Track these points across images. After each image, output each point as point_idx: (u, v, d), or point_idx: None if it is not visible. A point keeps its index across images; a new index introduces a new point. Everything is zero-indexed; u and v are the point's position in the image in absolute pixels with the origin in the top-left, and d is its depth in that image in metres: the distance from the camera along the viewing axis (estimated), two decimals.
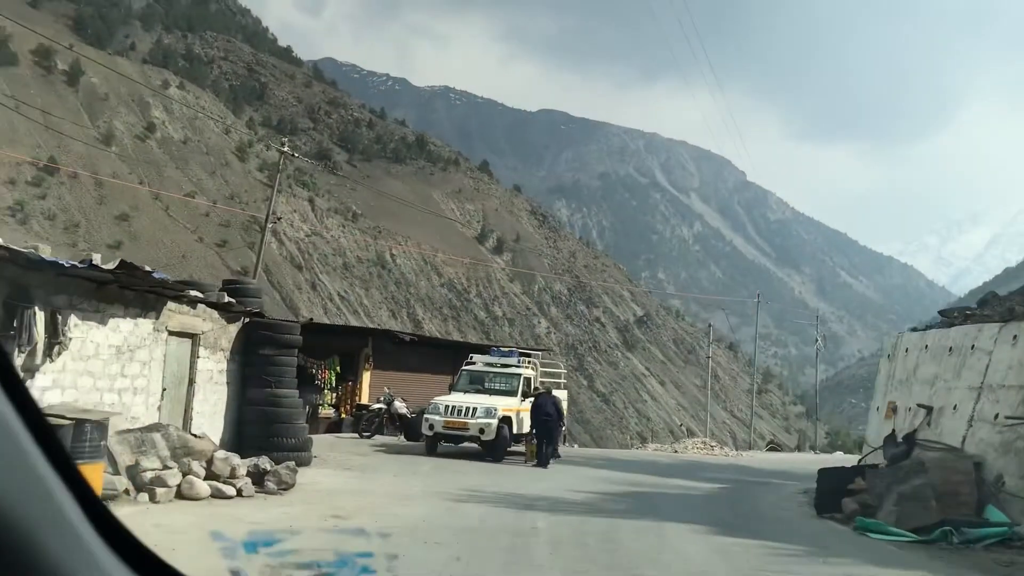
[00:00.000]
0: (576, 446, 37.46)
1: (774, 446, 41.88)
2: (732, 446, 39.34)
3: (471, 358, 22.38)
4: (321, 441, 20.20)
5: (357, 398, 25.79)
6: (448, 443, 19.67)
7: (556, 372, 26.25)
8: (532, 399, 19.72)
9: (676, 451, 29.94)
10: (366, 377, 26.38)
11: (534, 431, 19.56)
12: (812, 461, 29.62)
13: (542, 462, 18.95)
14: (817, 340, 47.60)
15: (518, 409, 19.91)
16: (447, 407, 19.09)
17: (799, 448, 47.02)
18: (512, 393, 20.41)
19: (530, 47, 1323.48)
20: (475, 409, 18.93)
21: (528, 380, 21.20)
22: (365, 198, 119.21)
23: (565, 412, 21.88)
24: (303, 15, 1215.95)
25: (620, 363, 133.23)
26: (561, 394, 22.54)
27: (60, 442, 1.28)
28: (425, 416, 19.47)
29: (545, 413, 18.89)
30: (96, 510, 1.28)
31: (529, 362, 22.56)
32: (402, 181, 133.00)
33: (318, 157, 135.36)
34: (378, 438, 22.73)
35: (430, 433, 19.21)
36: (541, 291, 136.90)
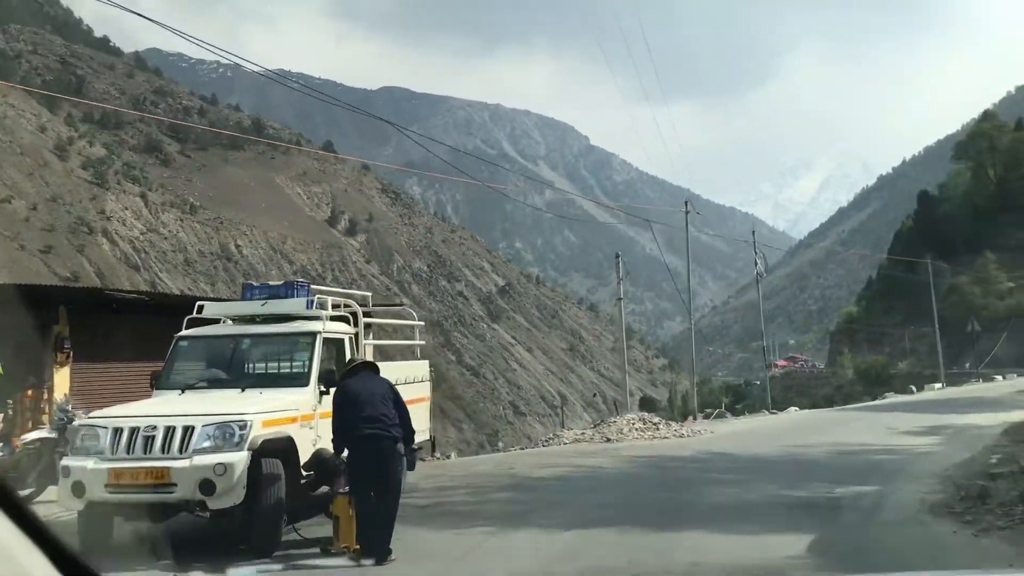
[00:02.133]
0: (453, 455, 22.08)
1: (720, 412, 35.86)
2: (669, 416, 29.41)
3: (199, 309, 10.36)
4: None
5: (45, 416, 14.04)
6: (135, 520, 8.23)
7: (407, 325, 14.28)
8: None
9: (609, 439, 19.76)
10: (61, 376, 14.66)
11: (348, 469, 7.95)
12: (800, 429, 22.22)
13: (373, 552, 7.50)
14: (757, 263, 44.49)
15: (314, 415, 8.86)
16: (117, 432, 7.90)
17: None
18: (297, 379, 9.14)
19: (364, 24, 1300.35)
20: (186, 431, 7.82)
21: (337, 346, 9.82)
22: (202, 189, 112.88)
23: (423, 408, 11.56)
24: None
25: (487, 335, 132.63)
26: (416, 369, 12.10)
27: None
28: (63, 463, 8.16)
29: (366, 419, 7.61)
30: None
31: (342, 308, 10.59)
32: (241, 168, 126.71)
33: (148, 149, 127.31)
34: (50, 496, 9.88)
35: (80, 505, 7.81)
36: (401, 270, 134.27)
